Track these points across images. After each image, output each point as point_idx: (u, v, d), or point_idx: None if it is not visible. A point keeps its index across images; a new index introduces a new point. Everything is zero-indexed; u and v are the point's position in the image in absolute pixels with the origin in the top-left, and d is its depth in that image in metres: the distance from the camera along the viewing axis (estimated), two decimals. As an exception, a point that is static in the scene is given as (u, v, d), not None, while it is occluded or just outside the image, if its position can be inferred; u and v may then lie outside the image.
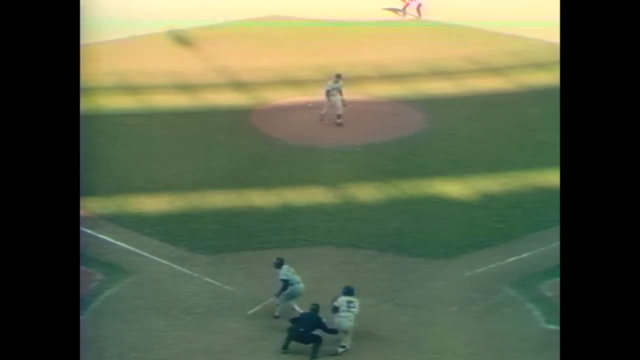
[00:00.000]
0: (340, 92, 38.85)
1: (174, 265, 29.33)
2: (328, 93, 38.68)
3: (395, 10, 52.66)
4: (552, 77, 39.22)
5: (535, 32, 47.30)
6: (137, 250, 30.01)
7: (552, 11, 49.27)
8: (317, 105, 40.29)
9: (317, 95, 40.96)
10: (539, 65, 43.90)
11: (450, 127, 37.68)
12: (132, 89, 42.01)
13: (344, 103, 38.69)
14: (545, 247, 29.76)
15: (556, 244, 29.94)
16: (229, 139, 37.84)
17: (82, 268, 29.20)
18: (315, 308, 25.60)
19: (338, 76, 39.09)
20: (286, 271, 26.88)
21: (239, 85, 42.56)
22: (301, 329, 25.22)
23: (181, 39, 47.13)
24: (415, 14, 52.45)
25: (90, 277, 28.47)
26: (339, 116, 38.64)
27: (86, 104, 39.93)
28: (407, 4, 52.45)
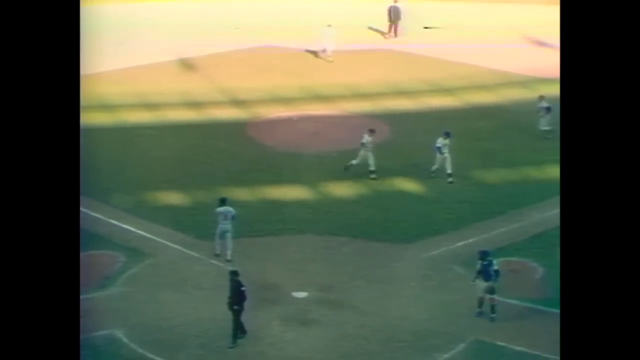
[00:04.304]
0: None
1: (185, 250, 29.40)
2: (439, 150, 33.62)
3: (382, 33, 52.20)
4: (493, 97, 39.53)
5: (479, 58, 47.28)
6: (154, 237, 30.06)
7: (495, 39, 49.76)
8: (301, 119, 40.27)
9: (301, 110, 40.97)
10: (482, 87, 43.82)
11: (410, 137, 37.67)
12: (149, 106, 41.84)
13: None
14: (488, 234, 30.01)
15: (496, 231, 30.32)
16: (228, 147, 37.83)
17: (108, 252, 29.72)
18: (235, 273, 24.80)
19: (447, 134, 33.86)
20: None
21: (237, 102, 42.51)
22: (235, 307, 24.39)
23: (189, 65, 47.04)
24: (392, 34, 51.82)
25: (115, 259, 28.67)
26: (449, 175, 33.64)
27: (111, 119, 40.14)
28: (391, 26, 51.82)
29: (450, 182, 33.41)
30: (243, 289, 24.42)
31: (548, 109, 36.83)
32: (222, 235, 28.55)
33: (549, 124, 36.67)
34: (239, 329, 24.46)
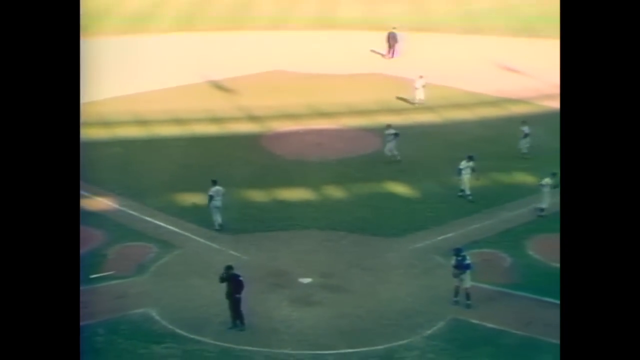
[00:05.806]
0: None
1: (207, 242, 29.44)
2: (461, 172, 32.08)
3: (382, 55, 52.05)
4: (469, 114, 39.41)
5: (457, 81, 47.25)
6: (181, 232, 30.10)
7: (471, 65, 49.81)
8: (306, 132, 40.25)
9: (307, 125, 40.93)
10: (460, 106, 43.76)
11: (398, 148, 37.59)
12: (178, 121, 41.90)
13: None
14: (464, 230, 30.01)
15: (471, 227, 30.33)
16: (244, 155, 37.83)
17: (143, 243, 29.77)
18: (230, 267, 24.29)
19: (470, 157, 32.14)
20: None
21: (252, 118, 42.52)
22: (237, 295, 23.95)
23: (214, 87, 47.11)
24: (391, 55, 51.70)
25: (149, 250, 28.79)
26: (468, 194, 32.11)
27: (145, 132, 40.22)
28: (391, 49, 51.75)
29: (471, 201, 31.97)
30: (241, 278, 24.10)
31: (527, 135, 35.73)
32: (215, 210, 29.60)
33: (528, 145, 35.73)
34: (238, 319, 24.08)
